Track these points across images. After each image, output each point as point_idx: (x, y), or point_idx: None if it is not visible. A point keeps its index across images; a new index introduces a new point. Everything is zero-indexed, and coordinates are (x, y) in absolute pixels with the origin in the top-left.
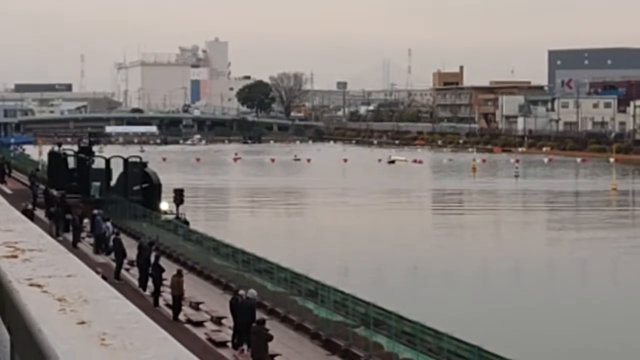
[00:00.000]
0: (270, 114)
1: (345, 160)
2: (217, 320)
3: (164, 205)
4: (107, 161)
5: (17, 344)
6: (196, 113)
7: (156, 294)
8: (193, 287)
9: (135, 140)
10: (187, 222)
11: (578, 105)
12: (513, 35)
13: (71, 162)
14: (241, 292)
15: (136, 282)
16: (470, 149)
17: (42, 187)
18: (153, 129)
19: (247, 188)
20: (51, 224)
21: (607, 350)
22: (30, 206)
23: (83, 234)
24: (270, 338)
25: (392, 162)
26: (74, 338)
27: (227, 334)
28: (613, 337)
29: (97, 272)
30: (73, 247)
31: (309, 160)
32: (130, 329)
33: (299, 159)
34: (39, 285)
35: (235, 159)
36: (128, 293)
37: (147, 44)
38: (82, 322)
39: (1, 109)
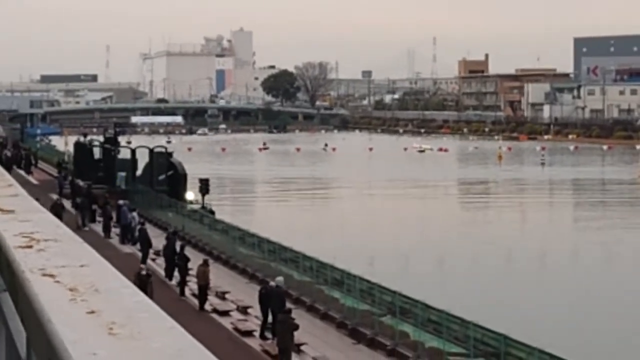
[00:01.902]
0: (295, 103)
1: (371, 149)
2: (243, 310)
3: (190, 195)
4: (133, 151)
5: (29, 333)
6: (221, 103)
7: (182, 283)
8: (219, 276)
9: (161, 130)
10: (212, 212)
11: (604, 93)
12: (538, 23)
13: (97, 153)
14: (271, 282)
15: (162, 272)
16: (496, 137)
17: (69, 178)
18: (178, 119)
19: (273, 178)
20: (77, 214)
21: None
22: (60, 200)
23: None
24: (297, 327)
25: (422, 151)
26: (82, 327)
27: (253, 324)
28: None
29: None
30: (106, 237)
31: (334, 149)
32: (139, 318)
33: (327, 148)
34: (51, 275)
35: (261, 149)
36: (154, 283)
37: (172, 34)
38: (92, 312)
39: (27, 100)
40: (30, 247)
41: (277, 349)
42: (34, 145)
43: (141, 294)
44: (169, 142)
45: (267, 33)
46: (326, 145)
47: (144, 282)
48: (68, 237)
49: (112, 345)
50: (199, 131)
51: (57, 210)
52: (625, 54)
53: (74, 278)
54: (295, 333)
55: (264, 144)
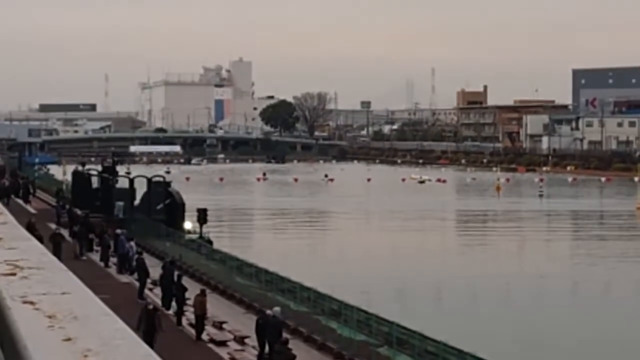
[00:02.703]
0: (294, 133)
1: (369, 180)
2: (241, 340)
3: (188, 225)
4: (131, 181)
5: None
6: (220, 133)
7: (179, 313)
8: (216, 306)
9: (159, 160)
10: (210, 242)
11: (602, 124)
12: (537, 55)
13: (95, 182)
14: (268, 312)
15: (159, 302)
16: (494, 168)
17: (67, 206)
18: (177, 148)
19: (271, 209)
20: (74, 243)
21: None
22: (59, 230)
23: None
24: (293, 358)
25: (422, 182)
26: (57, 354)
27: (250, 354)
28: None
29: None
30: (104, 266)
31: (332, 180)
32: (115, 345)
33: (327, 178)
34: (31, 303)
35: (259, 179)
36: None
37: (170, 64)
38: (68, 339)
39: (26, 129)
40: (14, 274)
41: None
42: (32, 174)
43: (120, 321)
44: (168, 172)
45: (266, 63)
46: (326, 175)
47: (151, 316)
48: (52, 265)
49: None
50: (194, 161)
51: (57, 240)
52: (623, 86)
53: (53, 305)
54: None
55: (264, 174)
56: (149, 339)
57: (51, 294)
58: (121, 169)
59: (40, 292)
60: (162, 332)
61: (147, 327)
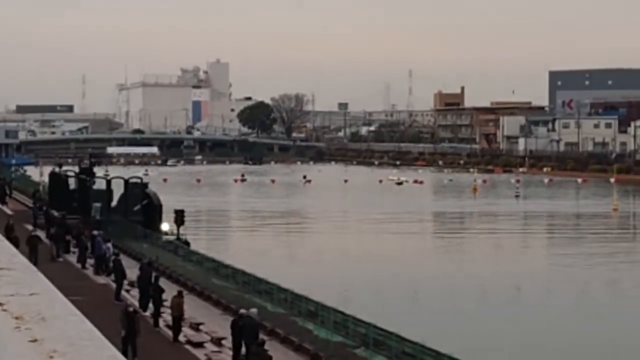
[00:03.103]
0: (271, 134)
1: (346, 181)
2: (217, 341)
3: (165, 226)
4: (108, 182)
5: None
6: (197, 134)
7: (156, 315)
8: (193, 308)
9: (137, 161)
10: (187, 243)
11: (579, 126)
12: (513, 56)
13: (72, 183)
14: (242, 311)
15: (136, 303)
16: (471, 170)
17: (44, 208)
18: (154, 149)
19: (248, 210)
20: (51, 245)
21: None
22: (36, 232)
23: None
24: (270, 359)
25: (400, 183)
26: (23, 356)
27: (227, 355)
28: None
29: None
30: (82, 267)
31: (309, 181)
32: (81, 346)
33: (306, 179)
34: None
35: (237, 180)
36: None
37: (148, 65)
38: (35, 340)
39: (2, 130)
40: None
41: None
42: (8, 175)
43: (87, 322)
44: (146, 173)
45: (243, 65)
46: (305, 177)
47: (131, 319)
48: (23, 266)
49: None
50: (169, 162)
51: (33, 243)
52: (600, 87)
53: (21, 306)
54: None
55: (242, 175)
56: (131, 342)
57: (19, 294)
58: (101, 171)
59: (8, 293)
60: (139, 335)
61: (127, 329)
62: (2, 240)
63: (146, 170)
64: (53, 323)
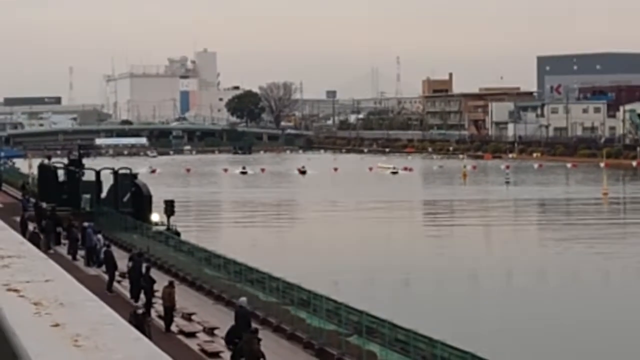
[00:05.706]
0: (260, 123)
1: (336, 170)
2: (210, 331)
3: (155, 217)
4: (97, 173)
5: None
6: (186, 124)
7: (148, 305)
8: (185, 298)
9: (125, 152)
10: (178, 233)
11: (567, 111)
12: (502, 42)
13: (61, 175)
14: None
15: (128, 294)
16: (460, 156)
17: (33, 200)
18: (143, 140)
19: (238, 200)
20: (42, 237)
21: None
22: (36, 229)
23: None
24: (258, 349)
25: (395, 172)
26: (47, 340)
27: (219, 345)
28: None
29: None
30: (72, 259)
31: (304, 173)
32: (104, 330)
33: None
34: (16, 290)
35: (226, 170)
36: (120, 305)
37: (135, 56)
38: (57, 325)
39: None
40: None
41: None
42: None
43: (107, 307)
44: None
45: (231, 54)
46: (303, 167)
47: (140, 322)
48: (32, 254)
49: (77, 357)
50: (149, 153)
51: (34, 240)
52: (588, 72)
53: (38, 293)
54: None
55: (243, 167)
56: None
57: (34, 281)
58: (90, 162)
59: (22, 280)
60: (152, 339)
61: None
62: (6, 229)
63: (150, 167)
64: (72, 308)
